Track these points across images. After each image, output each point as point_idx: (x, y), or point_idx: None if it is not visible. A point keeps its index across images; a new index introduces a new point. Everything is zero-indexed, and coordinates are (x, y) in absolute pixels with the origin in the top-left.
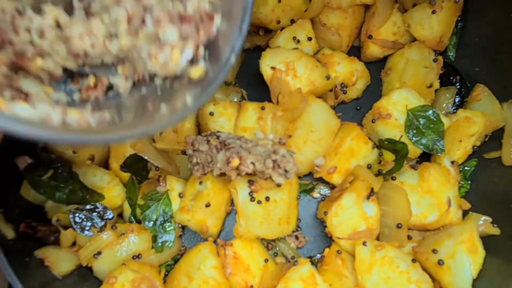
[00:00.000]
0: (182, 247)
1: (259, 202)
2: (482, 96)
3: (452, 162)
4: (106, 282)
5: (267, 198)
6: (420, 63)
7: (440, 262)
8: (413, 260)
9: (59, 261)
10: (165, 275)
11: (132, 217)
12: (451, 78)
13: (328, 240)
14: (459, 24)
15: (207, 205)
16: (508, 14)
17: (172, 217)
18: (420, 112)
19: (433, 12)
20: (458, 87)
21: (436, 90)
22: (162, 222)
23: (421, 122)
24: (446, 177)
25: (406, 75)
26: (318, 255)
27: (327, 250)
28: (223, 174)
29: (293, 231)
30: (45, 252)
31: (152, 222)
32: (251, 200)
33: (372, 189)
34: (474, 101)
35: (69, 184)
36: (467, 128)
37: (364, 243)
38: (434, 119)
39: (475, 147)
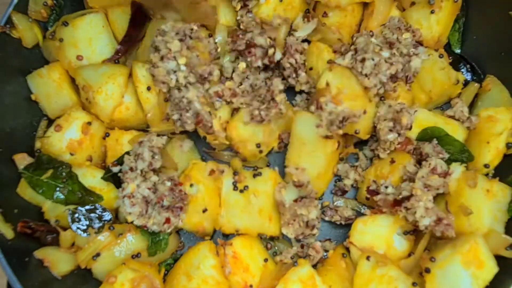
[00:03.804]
0: (180, 244)
1: (241, 191)
2: (492, 86)
3: (486, 166)
4: (106, 281)
5: (246, 187)
6: (434, 66)
7: (426, 270)
8: (414, 284)
9: (59, 262)
10: (165, 274)
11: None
12: (460, 65)
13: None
14: (462, 19)
15: (204, 211)
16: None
17: None
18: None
19: (432, 12)
20: (470, 77)
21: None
22: None
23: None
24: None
25: (427, 84)
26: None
27: (331, 251)
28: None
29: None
30: (44, 252)
31: None
32: (233, 189)
33: None
34: (484, 92)
35: (68, 185)
36: (491, 127)
37: (367, 258)
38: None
39: (510, 144)
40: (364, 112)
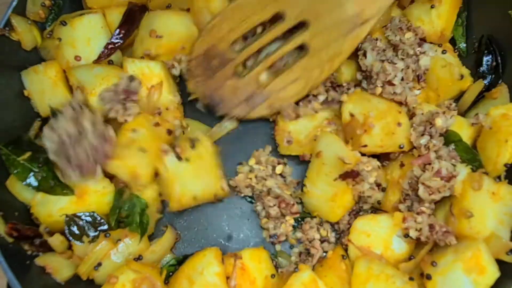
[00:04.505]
0: (177, 235)
1: (187, 159)
2: (498, 95)
3: (506, 165)
4: (108, 282)
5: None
6: (435, 65)
7: (428, 277)
8: (410, 278)
9: (61, 267)
10: (169, 276)
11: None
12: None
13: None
14: (464, 13)
15: (143, 150)
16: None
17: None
18: None
19: (432, 6)
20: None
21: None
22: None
23: None
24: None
25: (433, 82)
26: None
27: (330, 252)
28: None
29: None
30: (46, 259)
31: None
32: (179, 160)
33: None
34: (490, 98)
35: (43, 171)
36: (508, 125)
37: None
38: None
39: None
40: (399, 124)
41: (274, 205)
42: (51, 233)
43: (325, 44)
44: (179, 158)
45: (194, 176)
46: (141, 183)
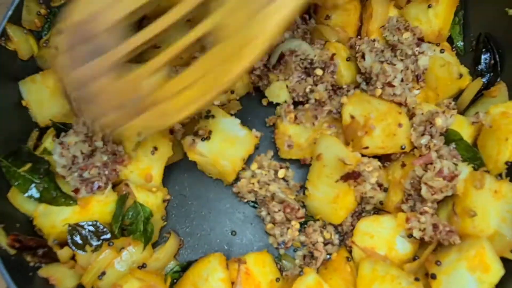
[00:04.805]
0: (180, 241)
1: (211, 134)
2: (497, 94)
3: (507, 163)
4: None
5: None
6: (434, 65)
7: (432, 276)
8: (416, 279)
9: (64, 278)
10: (173, 283)
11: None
12: (482, 53)
13: (335, 246)
14: (461, 12)
15: (155, 148)
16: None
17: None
18: None
19: (429, 6)
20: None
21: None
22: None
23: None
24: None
25: (432, 82)
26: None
27: (334, 254)
28: None
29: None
30: (49, 270)
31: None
32: (208, 140)
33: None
34: (489, 96)
35: (45, 182)
36: (508, 123)
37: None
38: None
39: None
40: (400, 125)
41: (279, 210)
42: (61, 245)
43: (240, 25)
44: (207, 138)
45: (229, 143)
46: (154, 184)
